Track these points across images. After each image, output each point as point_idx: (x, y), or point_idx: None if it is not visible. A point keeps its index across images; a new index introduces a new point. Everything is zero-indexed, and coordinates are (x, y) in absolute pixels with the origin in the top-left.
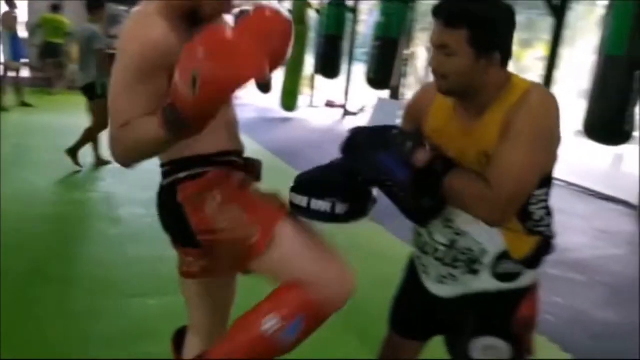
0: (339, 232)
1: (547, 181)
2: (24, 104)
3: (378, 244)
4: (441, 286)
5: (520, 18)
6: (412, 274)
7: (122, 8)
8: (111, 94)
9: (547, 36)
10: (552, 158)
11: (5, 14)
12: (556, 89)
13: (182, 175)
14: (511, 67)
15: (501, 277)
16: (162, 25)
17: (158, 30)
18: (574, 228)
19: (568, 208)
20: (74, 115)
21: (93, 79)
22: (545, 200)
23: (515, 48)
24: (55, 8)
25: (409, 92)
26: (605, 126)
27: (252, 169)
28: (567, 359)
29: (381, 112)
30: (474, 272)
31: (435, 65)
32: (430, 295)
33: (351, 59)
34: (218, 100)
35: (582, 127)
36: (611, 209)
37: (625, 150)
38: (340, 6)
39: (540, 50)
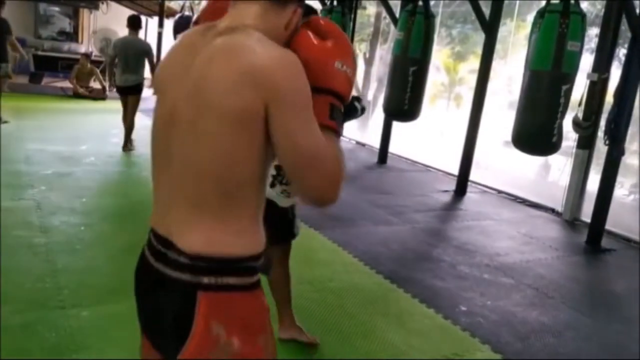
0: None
1: None
2: None
3: (317, 252)
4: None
5: (455, 32)
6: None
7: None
8: (309, 141)
9: (479, 50)
10: None
11: None
12: (488, 101)
13: (230, 280)
14: (445, 78)
15: None
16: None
17: (291, 54)
18: (503, 233)
19: (497, 214)
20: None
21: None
22: None
23: (449, 60)
24: None
25: None
26: (533, 138)
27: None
28: (497, 359)
29: None
30: None
31: None
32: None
33: None
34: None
35: (511, 137)
36: (538, 216)
37: (551, 159)
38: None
39: (474, 63)
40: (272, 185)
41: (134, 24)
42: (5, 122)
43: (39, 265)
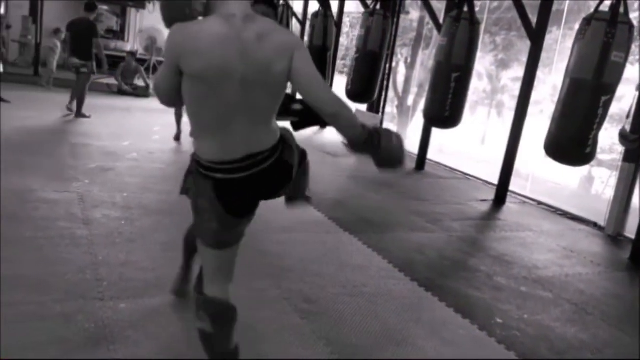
0: (312, 242)
1: None
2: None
3: (352, 256)
4: None
5: (499, 39)
6: None
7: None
8: (321, 79)
9: (524, 57)
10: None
11: None
12: (531, 110)
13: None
14: (487, 86)
15: None
16: None
17: None
18: (542, 246)
19: (536, 226)
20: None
21: None
22: None
23: (492, 67)
24: None
25: (388, 107)
26: (566, 147)
27: None
28: None
29: None
30: None
31: None
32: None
33: (333, 71)
34: None
35: (544, 145)
36: (579, 229)
37: (595, 172)
38: (327, 17)
39: (518, 71)
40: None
41: None
42: (89, 116)
43: (80, 257)
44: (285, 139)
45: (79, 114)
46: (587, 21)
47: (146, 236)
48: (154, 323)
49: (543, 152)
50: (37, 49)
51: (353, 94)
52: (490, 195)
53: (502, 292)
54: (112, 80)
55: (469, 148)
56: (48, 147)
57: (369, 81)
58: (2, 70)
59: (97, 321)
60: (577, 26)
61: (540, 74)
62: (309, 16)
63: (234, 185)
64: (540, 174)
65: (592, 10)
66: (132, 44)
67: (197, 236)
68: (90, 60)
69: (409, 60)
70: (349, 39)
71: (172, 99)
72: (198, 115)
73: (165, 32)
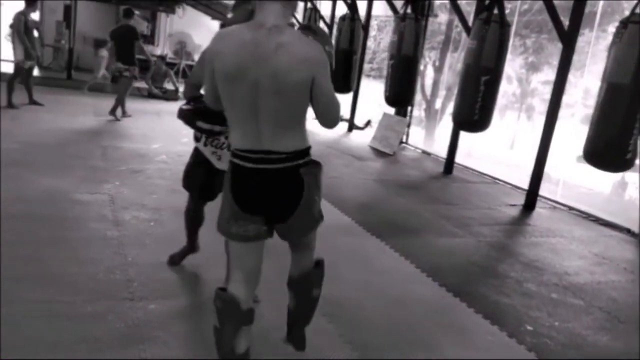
0: (338, 245)
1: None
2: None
3: (379, 259)
4: (221, 163)
5: (529, 42)
6: (208, 162)
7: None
8: (337, 101)
9: (555, 60)
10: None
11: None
12: (561, 113)
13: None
14: (516, 89)
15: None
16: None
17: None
18: (573, 252)
19: (567, 232)
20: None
21: None
22: None
23: (522, 70)
24: None
25: (416, 110)
26: (605, 152)
27: None
28: None
29: (386, 127)
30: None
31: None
32: (216, 169)
33: (360, 74)
34: None
35: (582, 151)
36: (612, 235)
37: (628, 177)
38: (354, 21)
39: (548, 74)
40: (205, 145)
41: None
42: (129, 115)
43: (110, 257)
44: (314, 162)
45: (113, 113)
46: (624, 24)
47: (175, 237)
48: (183, 324)
49: (575, 156)
50: (70, 53)
51: (392, 100)
52: (520, 200)
53: (532, 298)
54: (142, 84)
55: (497, 152)
56: (80, 150)
57: (406, 86)
58: (37, 73)
59: (127, 321)
60: (610, 28)
61: (571, 77)
62: (337, 19)
63: (245, 175)
64: (571, 179)
65: (627, 12)
66: (161, 48)
67: (217, 227)
68: (134, 65)
69: (437, 63)
70: (375, 42)
71: (217, 100)
72: (228, 109)
73: (194, 36)
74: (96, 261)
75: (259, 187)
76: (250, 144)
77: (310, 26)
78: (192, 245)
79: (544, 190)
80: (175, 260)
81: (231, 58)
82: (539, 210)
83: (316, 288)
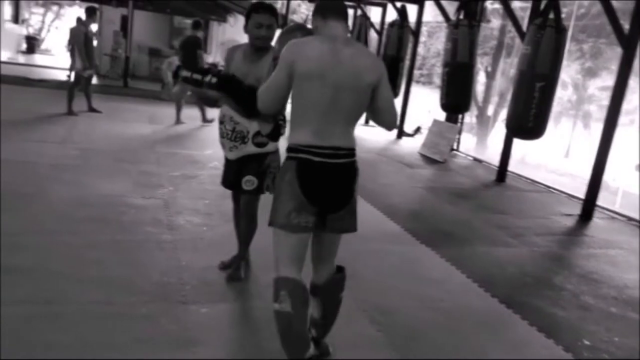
0: (388, 253)
1: None
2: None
3: (430, 269)
4: (231, 153)
5: (586, 46)
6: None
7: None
8: (394, 104)
9: (613, 65)
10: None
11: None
12: (621, 120)
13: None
14: (572, 95)
15: (257, 145)
16: None
17: None
18: (633, 264)
19: (627, 243)
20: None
21: None
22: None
23: (578, 76)
24: None
25: (467, 117)
26: None
27: None
28: None
29: (436, 133)
30: (245, 143)
31: (265, 33)
32: (228, 159)
33: (410, 80)
34: None
35: None
36: None
37: None
38: (403, 27)
39: (606, 79)
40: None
41: None
42: (211, 120)
43: (164, 261)
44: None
45: (179, 120)
46: None
47: (226, 242)
48: (234, 328)
49: (634, 164)
50: (126, 62)
51: (448, 107)
52: (576, 209)
53: (589, 312)
54: None
55: (551, 160)
56: (136, 155)
57: (462, 93)
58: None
59: (180, 323)
60: None
61: (631, 82)
62: (386, 26)
63: (312, 168)
64: (630, 188)
65: None
66: (213, 55)
67: (272, 222)
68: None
69: (489, 69)
70: (425, 48)
71: (276, 102)
72: (303, 107)
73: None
74: (151, 264)
75: (325, 179)
76: (321, 140)
77: (303, 26)
78: (241, 253)
79: (602, 199)
80: (227, 266)
81: (313, 61)
82: (597, 220)
83: (342, 291)
